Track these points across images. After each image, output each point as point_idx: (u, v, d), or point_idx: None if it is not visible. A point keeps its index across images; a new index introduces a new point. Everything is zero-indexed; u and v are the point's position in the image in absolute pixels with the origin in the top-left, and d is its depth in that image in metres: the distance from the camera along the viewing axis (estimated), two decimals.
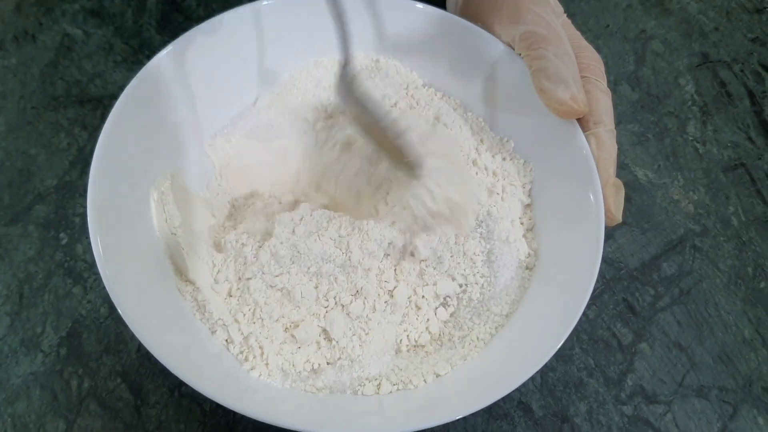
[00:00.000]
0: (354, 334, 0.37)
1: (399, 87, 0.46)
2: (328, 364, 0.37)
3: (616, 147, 0.39)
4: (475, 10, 0.44)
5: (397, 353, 0.39)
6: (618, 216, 0.38)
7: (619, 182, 0.39)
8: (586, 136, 0.39)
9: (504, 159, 0.43)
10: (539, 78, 0.38)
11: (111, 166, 0.36)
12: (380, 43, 0.45)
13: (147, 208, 0.39)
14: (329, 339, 0.38)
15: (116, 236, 0.35)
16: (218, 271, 0.39)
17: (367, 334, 0.38)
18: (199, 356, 0.35)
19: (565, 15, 0.43)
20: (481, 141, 0.44)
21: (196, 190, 0.42)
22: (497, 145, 0.44)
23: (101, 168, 0.35)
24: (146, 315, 0.33)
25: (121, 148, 0.37)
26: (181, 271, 0.38)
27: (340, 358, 0.37)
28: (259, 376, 0.36)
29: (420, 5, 0.43)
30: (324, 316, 0.38)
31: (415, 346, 0.39)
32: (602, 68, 0.41)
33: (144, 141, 0.39)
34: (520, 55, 0.41)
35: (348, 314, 0.37)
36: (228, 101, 0.44)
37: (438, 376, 0.37)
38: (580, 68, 0.40)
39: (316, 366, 0.37)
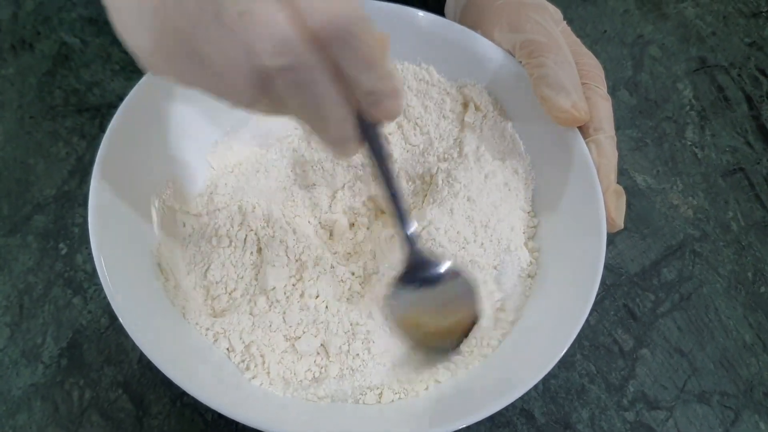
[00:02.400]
0: (353, 349, 0.37)
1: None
2: (329, 372, 0.37)
3: (616, 153, 0.39)
4: (475, 17, 0.44)
5: (399, 362, 0.39)
6: (619, 222, 0.38)
7: (620, 188, 0.39)
8: (587, 143, 0.39)
9: (505, 167, 0.43)
10: (540, 86, 0.38)
11: (112, 176, 0.36)
12: None
13: (148, 217, 0.38)
14: (328, 354, 0.37)
15: (117, 245, 0.35)
16: None
17: (367, 348, 0.37)
18: (201, 365, 0.35)
19: (565, 22, 0.44)
20: (482, 147, 0.44)
21: (197, 198, 0.42)
22: (498, 153, 0.44)
23: (102, 177, 0.35)
24: (147, 324, 0.33)
25: (122, 157, 0.37)
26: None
27: (341, 368, 0.37)
28: (261, 384, 0.36)
29: (420, 13, 0.43)
30: (323, 334, 0.37)
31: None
32: (602, 74, 0.41)
33: (144, 150, 0.39)
34: (520, 62, 0.41)
35: (347, 333, 0.37)
36: (229, 108, 0.44)
37: (440, 384, 0.37)
38: (580, 75, 0.40)
39: (317, 375, 0.37)
